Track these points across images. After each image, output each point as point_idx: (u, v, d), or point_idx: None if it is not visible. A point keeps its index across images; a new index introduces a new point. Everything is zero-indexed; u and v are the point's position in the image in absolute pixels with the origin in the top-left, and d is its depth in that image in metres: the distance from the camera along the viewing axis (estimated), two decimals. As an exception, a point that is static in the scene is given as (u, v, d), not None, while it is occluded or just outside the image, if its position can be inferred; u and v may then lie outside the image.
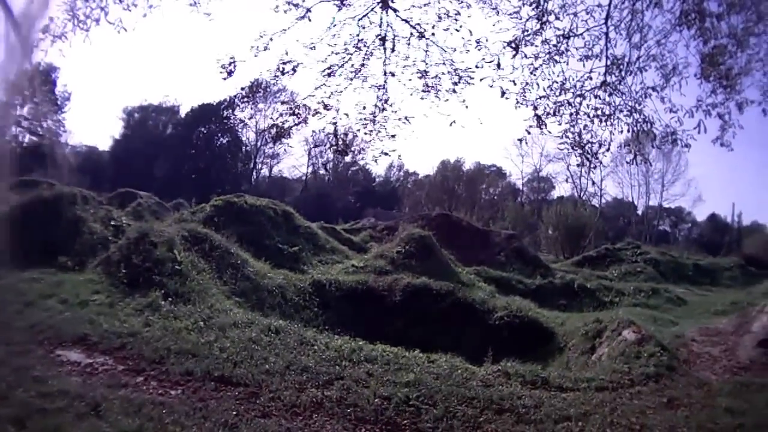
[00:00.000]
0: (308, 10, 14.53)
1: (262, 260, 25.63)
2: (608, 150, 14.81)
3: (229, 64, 14.20)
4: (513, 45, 14.65)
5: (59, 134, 67.54)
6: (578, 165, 15.93)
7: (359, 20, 15.04)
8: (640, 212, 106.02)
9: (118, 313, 15.67)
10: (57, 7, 11.48)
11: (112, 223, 25.71)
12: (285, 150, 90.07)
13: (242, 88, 15.46)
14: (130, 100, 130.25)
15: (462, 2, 15.12)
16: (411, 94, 15.39)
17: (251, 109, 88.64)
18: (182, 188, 59.97)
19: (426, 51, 15.47)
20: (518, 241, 48.92)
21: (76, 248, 22.11)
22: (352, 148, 15.82)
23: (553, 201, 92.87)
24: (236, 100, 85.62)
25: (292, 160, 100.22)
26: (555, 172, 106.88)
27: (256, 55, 14.35)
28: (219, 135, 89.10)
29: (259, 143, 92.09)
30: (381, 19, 15.31)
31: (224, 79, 14.25)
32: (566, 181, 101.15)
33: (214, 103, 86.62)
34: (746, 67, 14.06)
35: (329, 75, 14.77)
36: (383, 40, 15.28)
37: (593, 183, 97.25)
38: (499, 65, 14.43)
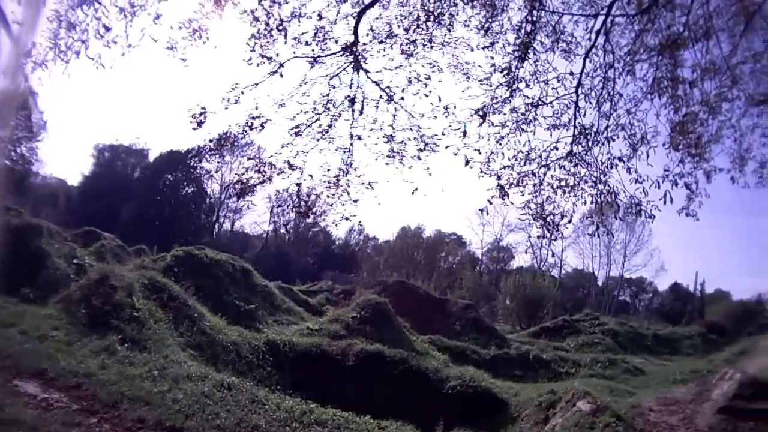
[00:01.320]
0: (281, 65, 14.79)
1: (218, 315, 25.52)
2: (570, 222, 14.96)
3: (200, 114, 14.33)
4: (481, 113, 14.76)
5: (32, 162, 66.80)
6: (539, 237, 15.77)
7: (330, 79, 15.25)
8: (600, 283, 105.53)
9: (75, 352, 15.75)
10: (41, 34, 11.50)
11: (75, 261, 25.83)
12: (248, 206, 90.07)
13: (210, 140, 15.15)
14: (102, 137, 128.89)
15: (433, 67, 15.53)
16: (376, 159, 15.42)
17: (218, 161, 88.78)
18: (145, 234, 59.47)
19: (394, 115, 15.56)
20: (474, 311, 48.94)
21: (39, 281, 22.19)
22: (314, 210, 15.43)
23: (512, 271, 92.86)
24: (204, 151, 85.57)
25: (254, 216, 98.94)
26: (516, 242, 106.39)
27: (226, 108, 14.45)
28: (185, 184, 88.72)
29: (223, 196, 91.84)
30: (352, 80, 15.57)
31: (194, 129, 14.49)
32: (526, 252, 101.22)
33: (182, 152, 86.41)
34: (716, 134, 14.63)
35: (296, 134, 14.83)
36: (352, 101, 15.42)
37: (553, 254, 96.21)
38: (465, 133, 14.49)
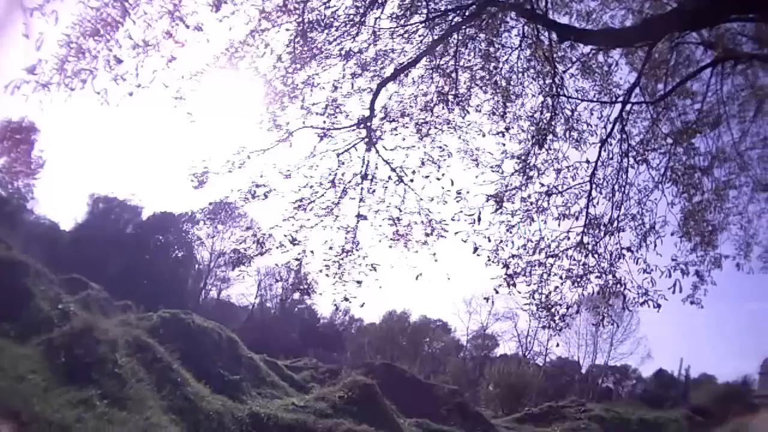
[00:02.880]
0: (290, 133, 13.95)
1: (202, 383, 24.26)
2: (577, 312, 14.29)
3: (202, 174, 13.31)
4: (497, 199, 13.97)
5: (27, 199, 65.75)
6: (544, 327, 14.82)
7: (340, 155, 14.29)
8: (584, 370, 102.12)
9: (52, 400, 14.63)
10: (47, 51, 10.53)
11: (60, 306, 24.47)
12: (243, 277, 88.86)
13: (210, 203, 13.83)
14: (98, 185, 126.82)
15: (443, 150, 14.77)
16: (380, 241, 14.38)
17: (211, 228, 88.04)
18: (132, 291, 57.91)
19: (402, 197, 14.61)
20: (460, 396, 47.75)
21: (21, 319, 20.93)
22: (315, 289, 14.14)
23: (496, 358, 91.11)
24: (198, 215, 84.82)
25: (242, 288, 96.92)
26: (501, 330, 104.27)
27: (230, 171, 13.50)
28: (175, 247, 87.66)
29: (212, 264, 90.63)
30: (363, 158, 14.61)
31: (195, 188, 13.42)
32: (512, 339, 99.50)
33: (175, 214, 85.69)
34: (724, 221, 14.13)
35: (300, 208, 13.75)
36: (364, 177, 14.50)
37: (555, 345, 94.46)
38: (479, 219, 13.52)
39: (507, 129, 14.93)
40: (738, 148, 14.74)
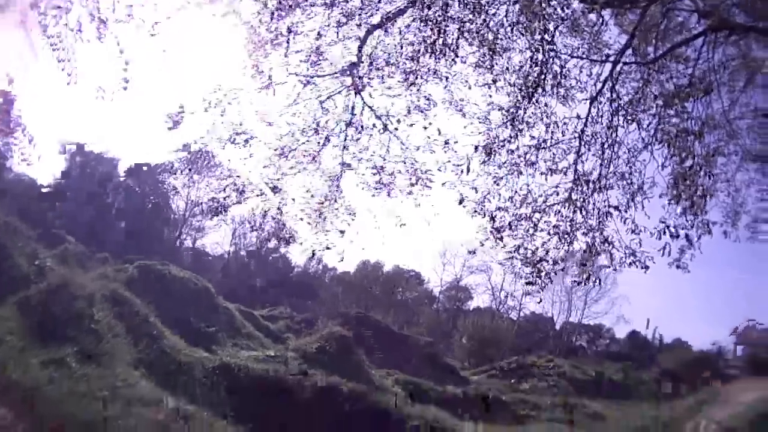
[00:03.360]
0: (271, 79, 13.42)
1: (178, 335, 24.49)
2: (563, 270, 14.14)
3: (177, 114, 12.88)
4: (487, 149, 13.63)
5: (5, 158, 64.63)
6: (528, 283, 14.29)
7: (323, 102, 13.97)
8: (558, 327, 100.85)
9: (26, 362, 14.65)
10: None
11: (37, 262, 24.48)
12: (220, 225, 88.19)
13: (185, 147, 13.39)
14: (77, 140, 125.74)
15: (429, 100, 14.35)
16: (362, 189, 14.13)
17: (186, 177, 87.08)
18: (109, 243, 57.93)
19: (387, 146, 14.35)
20: (434, 348, 48.79)
21: (-1, 278, 21.01)
22: (295, 238, 14.00)
23: (469, 311, 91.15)
24: (176, 163, 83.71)
25: (216, 237, 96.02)
26: (475, 283, 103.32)
27: (206, 110, 13.04)
28: (152, 198, 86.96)
29: (187, 214, 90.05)
30: (348, 104, 14.30)
31: (169, 128, 12.95)
32: (485, 293, 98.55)
33: (152, 165, 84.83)
34: (712, 188, 13.64)
35: (281, 155, 13.60)
36: (349, 124, 14.21)
37: (538, 301, 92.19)
38: (468, 169, 13.28)
39: (494, 81, 14.35)
40: (728, 117, 14.48)
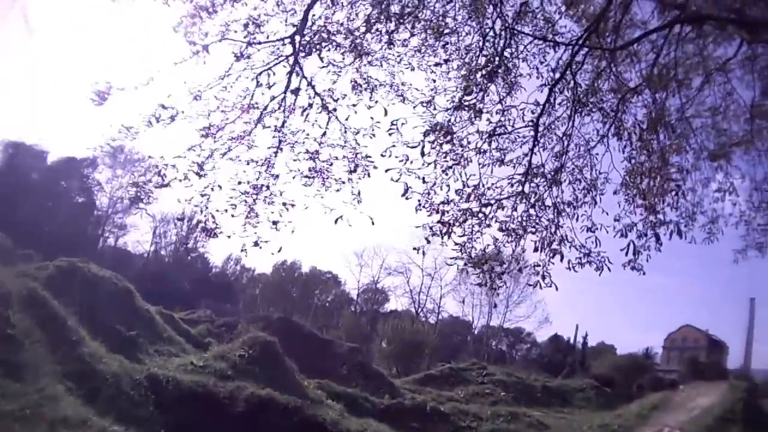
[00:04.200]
0: (205, 48, 12.13)
1: (98, 340, 22.44)
2: (520, 270, 12.98)
3: (105, 90, 11.41)
4: (445, 131, 12.21)
5: None
6: (479, 284, 13.43)
7: (258, 75, 12.54)
8: (476, 331, 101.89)
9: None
10: None
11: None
12: (141, 215, 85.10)
13: (109, 140, 11.68)
14: (8, 131, 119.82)
15: (368, 82, 13.24)
16: (293, 177, 12.61)
17: (110, 172, 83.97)
18: (35, 239, 54.77)
19: (325, 128, 12.92)
20: (361, 354, 46.30)
21: None
22: (221, 230, 12.12)
23: (387, 313, 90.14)
24: (97, 151, 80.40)
25: (137, 235, 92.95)
26: (393, 285, 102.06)
27: (136, 88, 11.54)
28: (77, 193, 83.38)
29: (110, 210, 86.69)
30: (287, 76, 12.84)
31: (96, 104, 11.47)
32: (404, 295, 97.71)
33: (78, 159, 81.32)
34: (667, 186, 12.82)
35: (208, 135, 12.01)
36: (287, 90, 12.78)
37: (493, 306, 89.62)
38: (423, 152, 11.73)
39: (438, 64, 13.49)
40: (685, 114, 13.94)
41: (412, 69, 13.55)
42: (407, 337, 62.70)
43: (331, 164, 12.75)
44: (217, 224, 12.03)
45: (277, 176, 12.47)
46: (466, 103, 12.81)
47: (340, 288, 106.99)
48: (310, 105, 12.96)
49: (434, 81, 13.32)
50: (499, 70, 13.17)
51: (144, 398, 21.02)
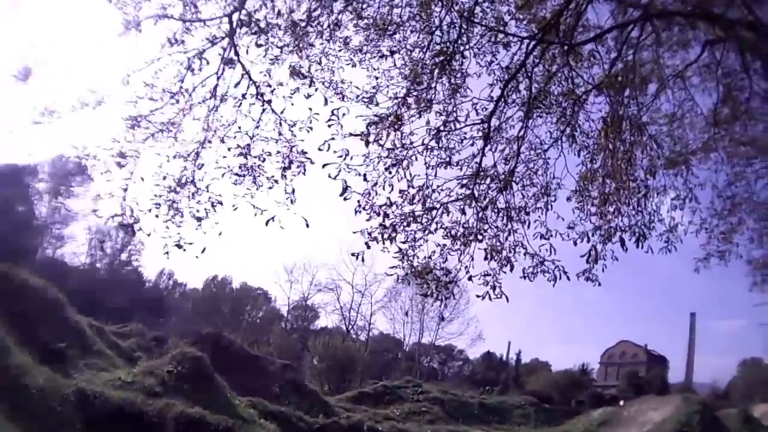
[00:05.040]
0: (137, 24, 11.56)
1: (25, 351, 21.55)
2: (470, 278, 11.65)
3: (27, 68, 11.32)
4: (395, 118, 11.24)
5: None
6: (423, 295, 12.39)
7: (191, 59, 11.81)
8: (407, 348, 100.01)
9: None
10: None
11: None
12: (74, 217, 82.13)
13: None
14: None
15: (305, 78, 12.44)
16: (223, 175, 11.77)
17: (51, 183, 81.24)
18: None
19: (258, 120, 12.05)
20: (294, 371, 44.96)
21: None
22: (140, 226, 11.24)
23: (317, 330, 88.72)
24: (39, 165, 77.94)
25: (74, 247, 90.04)
26: (323, 302, 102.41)
27: (64, 67, 10.91)
28: (16, 202, 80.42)
29: (48, 221, 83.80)
30: (222, 64, 12.01)
31: (19, 80, 11.39)
32: (334, 312, 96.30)
33: (19, 165, 78.57)
34: (622, 193, 12.26)
35: (134, 126, 11.32)
36: (229, 62, 12.02)
37: (440, 319, 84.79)
38: (368, 142, 10.87)
39: (383, 56, 12.79)
40: (641, 120, 13.29)
41: (354, 65, 12.94)
42: (338, 354, 61.62)
43: (264, 160, 11.98)
44: (135, 218, 11.15)
45: (202, 165, 11.77)
46: (414, 94, 12.06)
47: (270, 304, 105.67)
48: (244, 96, 12.24)
49: (377, 78, 12.67)
50: (451, 61, 12.38)
51: (72, 415, 20.07)
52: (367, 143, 10.86)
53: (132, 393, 23.84)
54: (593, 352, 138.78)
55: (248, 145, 11.96)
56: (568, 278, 11.14)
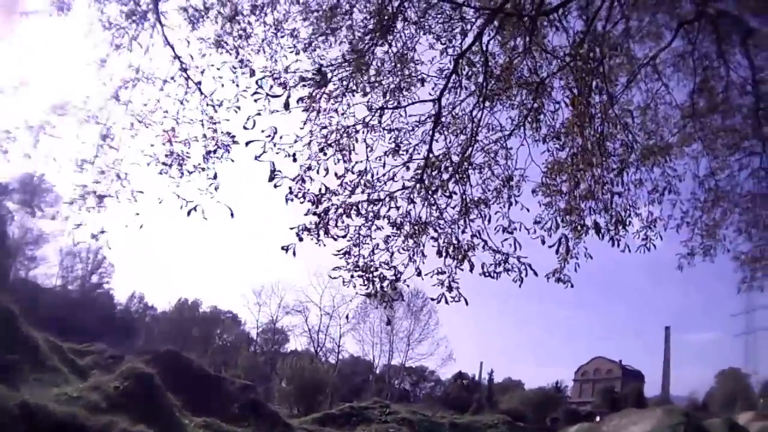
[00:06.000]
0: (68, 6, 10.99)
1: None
2: (419, 274, 10.45)
3: None
4: (319, 75, 9.97)
5: None
6: (368, 296, 10.62)
7: (116, 30, 11.18)
8: (378, 370, 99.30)
9: None
10: None
11: None
12: (48, 239, 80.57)
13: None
14: None
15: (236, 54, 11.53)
16: (148, 164, 10.85)
17: (22, 202, 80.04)
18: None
19: (183, 100, 11.23)
20: (255, 392, 43.29)
21: None
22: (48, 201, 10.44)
23: (287, 353, 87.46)
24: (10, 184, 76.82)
25: (46, 268, 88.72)
26: (292, 324, 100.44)
27: None
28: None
29: (20, 241, 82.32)
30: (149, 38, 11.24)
31: None
32: (303, 334, 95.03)
33: (-1, 184, 77.60)
34: (593, 186, 10.87)
35: (55, 111, 10.82)
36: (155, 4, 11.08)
37: (384, 319, 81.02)
38: (287, 105, 9.47)
39: (324, 35, 11.84)
40: (613, 110, 11.75)
41: (297, 53, 11.94)
42: (306, 376, 60.69)
43: (189, 145, 11.10)
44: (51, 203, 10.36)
45: (110, 136, 11.06)
46: (353, 55, 10.99)
47: (240, 327, 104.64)
48: (173, 79, 11.44)
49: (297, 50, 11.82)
50: (391, 26, 11.34)
51: (13, 428, 19.20)
52: (286, 106, 9.50)
53: (76, 408, 22.90)
54: (567, 369, 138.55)
55: (173, 128, 11.16)
56: (535, 274, 9.99)
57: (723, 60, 13.78)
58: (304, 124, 10.08)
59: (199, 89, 11.29)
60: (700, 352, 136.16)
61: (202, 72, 11.40)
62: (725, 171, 15.10)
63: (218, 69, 11.29)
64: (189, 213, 10.05)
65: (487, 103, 11.36)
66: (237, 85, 10.94)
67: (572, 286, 10.66)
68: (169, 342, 76.69)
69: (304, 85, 9.90)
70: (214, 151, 10.95)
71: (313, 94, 9.93)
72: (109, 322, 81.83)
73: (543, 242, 10.38)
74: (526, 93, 11.63)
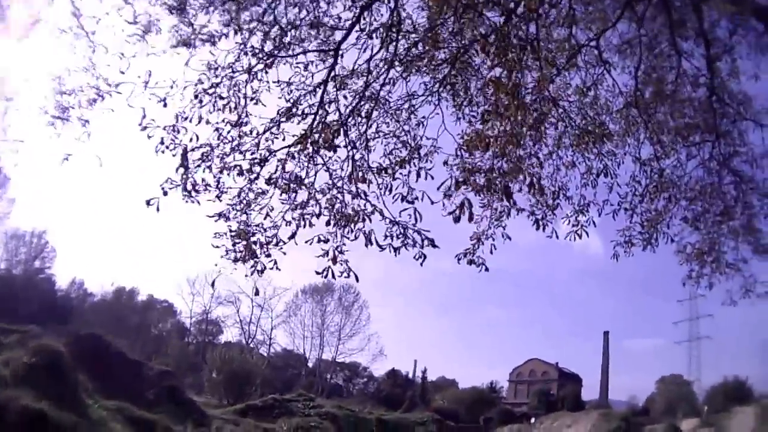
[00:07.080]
0: None
1: None
2: (292, 237, 9.34)
3: None
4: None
5: None
6: (235, 260, 9.31)
7: None
8: (311, 365, 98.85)
9: None
10: None
11: None
12: None
13: None
14: None
15: None
16: (40, 113, 10.23)
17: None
18: None
19: (72, 48, 10.18)
20: (174, 379, 42.00)
21: None
22: None
23: (220, 345, 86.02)
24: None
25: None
26: (225, 315, 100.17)
27: None
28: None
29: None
30: None
31: None
32: (234, 325, 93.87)
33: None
34: (516, 166, 9.59)
35: None
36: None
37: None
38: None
39: None
40: (548, 90, 10.08)
41: None
42: (236, 367, 60.23)
43: (77, 97, 10.18)
44: None
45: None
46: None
47: (175, 317, 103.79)
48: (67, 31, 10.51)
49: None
50: None
51: None
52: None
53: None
54: (502, 370, 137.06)
55: (60, 76, 10.30)
56: (435, 246, 8.42)
57: (675, 48, 12.65)
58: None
59: (85, 32, 10.51)
60: (640, 357, 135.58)
61: (98, 21, 10.48)
62: (671, 157, 13.51)
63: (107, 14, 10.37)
64: (62, 162, 9.83)
65: (397, 65, 9.90)
66: (123, 30, 10.23)
67: (487, 269, 9.57)
68: (105, 329, 76.49)
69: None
70: (96, 99, 10.19)
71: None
72: (50, 306, 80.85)
73: (460, 214, 8.31)
74: (444, 59, 9.95)
